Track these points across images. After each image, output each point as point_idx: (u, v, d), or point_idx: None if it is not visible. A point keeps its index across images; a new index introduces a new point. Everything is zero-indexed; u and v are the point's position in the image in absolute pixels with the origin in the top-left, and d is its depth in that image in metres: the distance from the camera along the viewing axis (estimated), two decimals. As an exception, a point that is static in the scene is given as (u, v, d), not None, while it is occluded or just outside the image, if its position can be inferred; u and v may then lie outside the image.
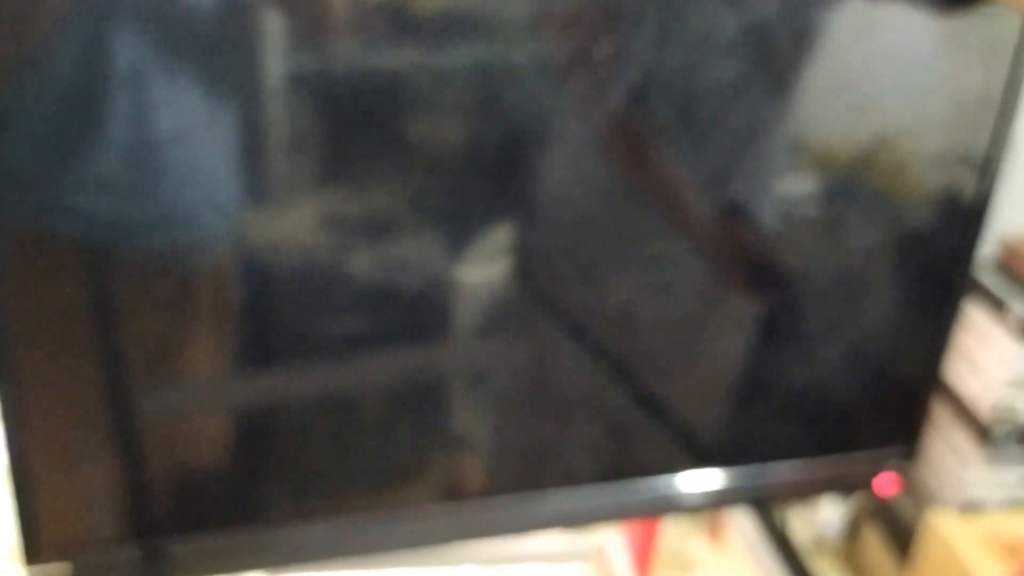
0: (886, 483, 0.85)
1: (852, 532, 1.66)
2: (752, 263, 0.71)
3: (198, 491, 0.68)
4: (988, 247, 1.42)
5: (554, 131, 0.62)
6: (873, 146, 0.69)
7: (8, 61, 0.50)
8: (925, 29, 0.66)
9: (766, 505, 0.86)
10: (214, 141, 0.56)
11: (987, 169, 0.72)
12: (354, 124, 0.57)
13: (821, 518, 1.65)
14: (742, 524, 0.87)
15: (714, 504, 0.84)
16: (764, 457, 0.80)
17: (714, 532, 1.68)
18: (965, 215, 0.73)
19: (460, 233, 0.64)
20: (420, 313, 0.65)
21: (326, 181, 0.60)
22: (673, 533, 1.69)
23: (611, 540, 1.22)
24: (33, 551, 0.64)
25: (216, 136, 0.56)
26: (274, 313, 0.62)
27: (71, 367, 0.60)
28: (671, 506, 0.82)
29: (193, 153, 0.55)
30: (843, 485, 0.90)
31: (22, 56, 0.50)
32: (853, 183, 0.70)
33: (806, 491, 1.27)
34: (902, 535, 1.46)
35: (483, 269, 0.65)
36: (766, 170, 0.68)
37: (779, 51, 0.63)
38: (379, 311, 0.65)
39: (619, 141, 0.63)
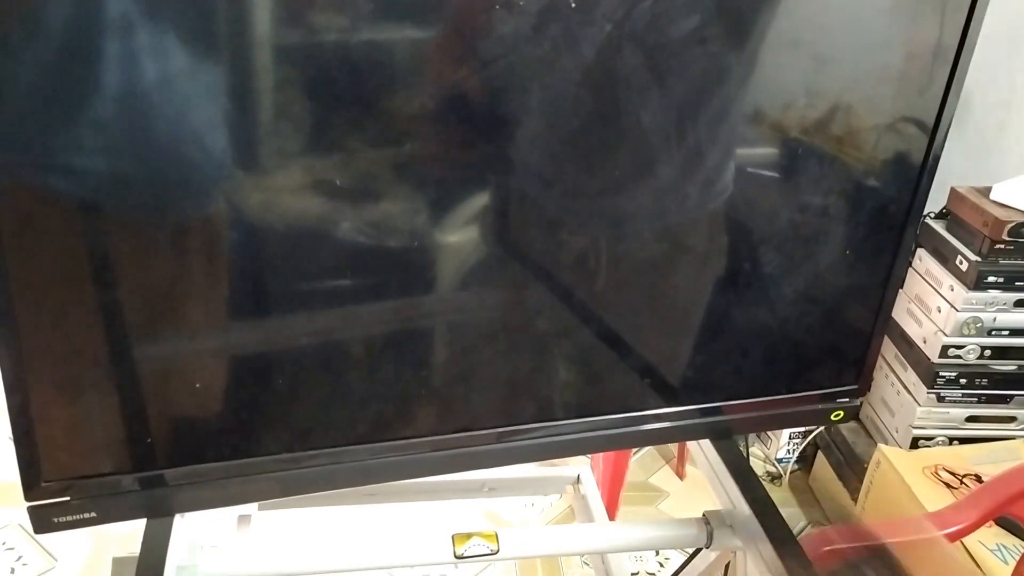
0: (840, 418, 0.89)
1: (808, 465, 1.74)
2: (714, 212, 0.74)
3: (193, 427, 0.69)
4: (939, 197, 1.47)
5: (527, 93, 0.63)
6: (829, 94, 0.70)
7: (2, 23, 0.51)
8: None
9: (728, 438, 0.90)
10: (206, 99, 0.57)
11: (941, 119, 0.73)
12: (339, 90, 0.59)
13: (779, 451, 1.73)
14: (704, 455, 0.91)
15: (679, 437, 0.87)
16: (727, 395, 0.83)
17: (680, 467, 1.75)
18: (918, 164, 0.75)
19: (441, 191, 0.65)
20: (402, 268, 0.67)
21: (314, 140, 0.61)
22: (641, 468, 1.76)
23: (583, 473, 1.27)
24: (32, 485, 0.65)
25: (209, 94, 0.57)
26: (265, 257, 0.64)
27: (69, 308, 0.61)
28: (640, 439, 0.86)
29: (185, 110, 0.57)
30: (800, 421, 0.94)
31: (16, 16, 0.51)
32: (809, 132, 0.72)
33: (766, 426, 1.32)
34: (855, 467, 1.53)
35: (462, 224, 0.67)
36: (725, 120, 0.70)
37: (736, 4, 0.65)
38: (364, 261, 0.66)
39: (587, 96, 0.64)
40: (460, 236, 0.68)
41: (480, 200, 0.67)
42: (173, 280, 0.63)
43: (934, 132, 0.74)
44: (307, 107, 0.60)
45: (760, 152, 0.73)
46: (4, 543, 1.45)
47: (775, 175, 0.74)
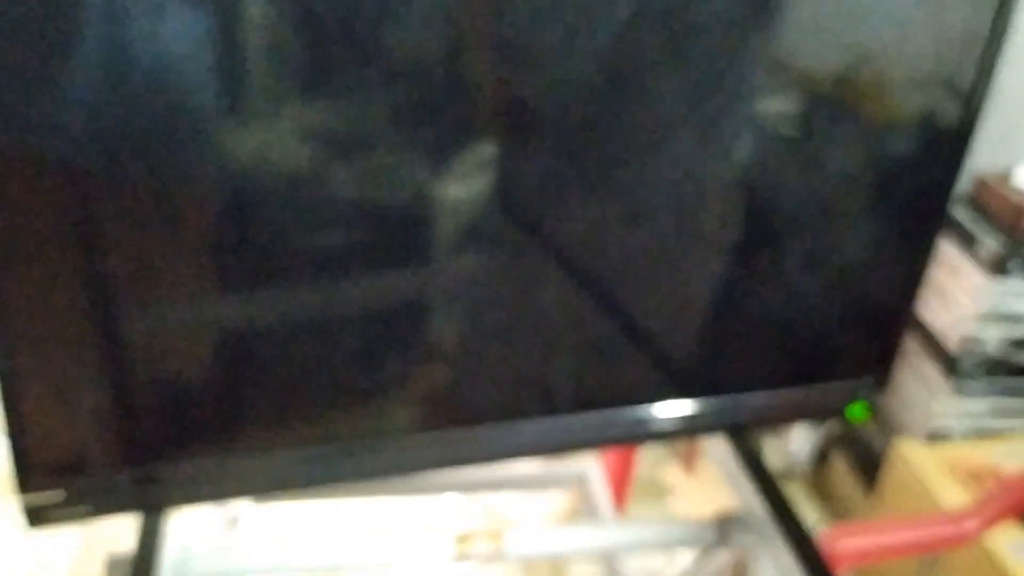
0: (857, 412, 0.87)
1: (821, 459, 1.72)
2: (732, 191, 0.71)
3: (187, 418, 0.68)
4: (961, 183, 1.44)
5: (538, 46, 0.60)
6: (857, 78, 0.69)
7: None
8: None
9: (741, 432, 0.88)
10: (193, 52, 0.54)
11: (971, 105, 0.72)
12: (333, 32, 0.56)
13: (792, 446, 1.71)
14: (716, 451, 0.89)
15: (691, 431, 0.86)
16: (740, 387, 0.81)
17: (688, 462, 1.73)
18: (945, 150, 0.74)
19: (441, 148, 0.62)
20: (400, 233, 0.65)
21: (305, 93, 0.58)
22: (649, 463, 1.74)
23: (590, 468, 1.25)
24: (26, 479, 0.64)
25: (195, 47, 0.54)
26: (256, 232, 0.62)
27: (57, 293, 0.59)
28: (649, 434, 0.83)
29: (172, 64, 0.54)
30: (816, 413, 0.92)
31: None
32: (835, 114, 0.70)
33: (780, 419, 1.30)
34: (870, 462, 1.50)
35: (463, 186, 0.65)
36: (748, 97, 0.67)
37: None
38: (359, 228, 0.64)
39: (602, 58, 0.62)
40: (463, 206, 0.65)
41: (483, 159, 0.64)
42: (165, 259, 0.61)
43: (968, 114, 0.72)
44: (300, 43, 0.56)
45: (785, 127, 0.70)
46: (-3, 536, 1.44)
47: (801, 154, 0.71)
